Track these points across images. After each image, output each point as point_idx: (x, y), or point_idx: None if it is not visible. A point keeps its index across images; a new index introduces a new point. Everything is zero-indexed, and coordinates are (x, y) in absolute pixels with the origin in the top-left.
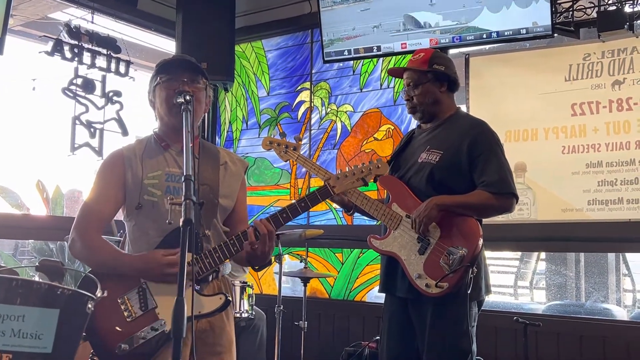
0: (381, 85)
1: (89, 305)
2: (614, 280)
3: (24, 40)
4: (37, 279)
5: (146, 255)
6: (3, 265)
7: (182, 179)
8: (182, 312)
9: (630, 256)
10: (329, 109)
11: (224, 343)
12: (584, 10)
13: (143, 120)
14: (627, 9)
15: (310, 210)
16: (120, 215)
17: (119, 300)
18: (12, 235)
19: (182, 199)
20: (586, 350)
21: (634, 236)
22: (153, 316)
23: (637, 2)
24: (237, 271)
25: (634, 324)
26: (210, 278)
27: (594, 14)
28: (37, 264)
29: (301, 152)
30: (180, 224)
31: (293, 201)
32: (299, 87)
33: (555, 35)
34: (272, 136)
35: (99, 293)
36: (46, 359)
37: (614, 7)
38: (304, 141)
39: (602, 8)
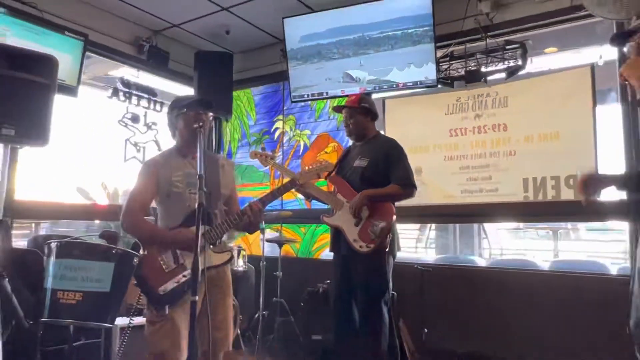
0: (329, 117)
1: (135, 260)
2: (477, 241)
3: (93, 89)
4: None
5: (176, 231)
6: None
7: (197, 176)
8: (197, 261)
9: (486, 226)
10: (295, 133)
11: (227, 284)
12: (457, 69)
13: (171, 141)
14: (483, 69)
15: (283, 198)
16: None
17: (159, 259)
18: (85, 218)
19: (197, 190)
20: (460, 285)
21: (489, 213)
22: (183, 268)
23: (488, 65)
24: (229, 239)
25: (489, 268)
26: (218, 242)
27: (463, 72)
28: (99, 233)
29: (276, 161)
30: (196, 206)
31: (273, 189)
32: (275, 119)
33: (439, 85)
34: (257, 150)
35: (141, 252)
36: (105, 295)
37: (475, 68)
38: (278, 154)
39: (467, 68)
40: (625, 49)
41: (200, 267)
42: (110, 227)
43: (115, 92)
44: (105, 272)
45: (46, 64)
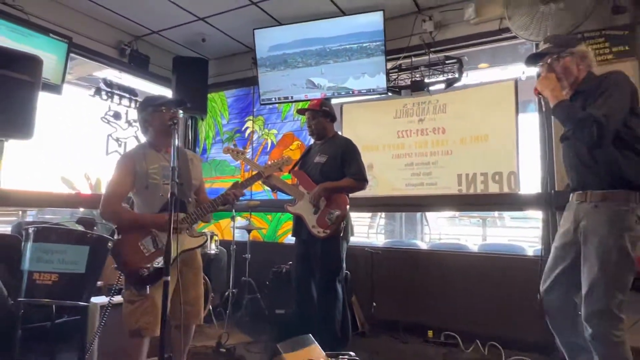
0: (294, 118)
1: (109, 244)
2: (420, 228)
3: (78, 89)
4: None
5: (156, 215)
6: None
7: (171, 169)
8: (169, 245)
9: (428, 214)
10: (263, 132)
11: (198, 265)
12: (404, 80)
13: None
14: (426, 79)
15: (253, 190)
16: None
17: (139, 244)
18: (69, 206)
19: (171, 181)
20: (404, 265)
21: (429, 203)
22: (162, 252)
23: (430, 77)
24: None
25: (429, 250)
26: (194, 226)
27: (409, 82)
28: (76, 219)
29: (246, 156)
30: (168, 196)
31: (243, 180)
32: (246, 119)
33: (389, 93)
34: (229, 146)
35: (115, 236)
36: (81, 276)
37: (419, 79)
38: (248, 150)
39: (413, 79)
40: (538, 68)
41: (179, 250)
42: (93, 214)
43: (98, 91)
44: (80, 255)
45: (31, 63)
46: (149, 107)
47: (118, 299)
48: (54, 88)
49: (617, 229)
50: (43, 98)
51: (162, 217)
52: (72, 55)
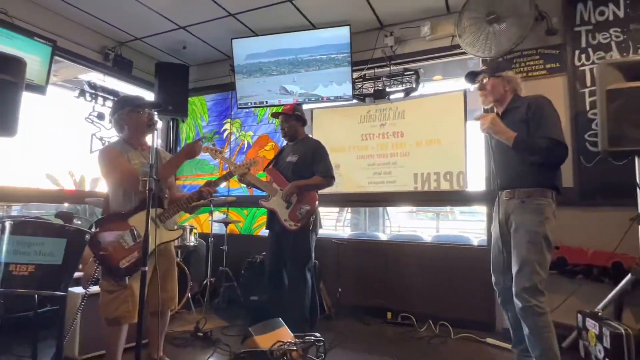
0: (268, 121)
1: (87, 237)
2: (381, 221)
3: (64, 90)
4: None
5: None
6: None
7: (149, 165)
8: (147, 237)
9: (389, 209)
10: (240, 134)
11: (173, 255)
12: (367, 88)
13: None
14: (387, 89)
15: (230, 186)
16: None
17: (118, 237)
18: (54, 201)
19: (149, 177)
20: (367, 255)
21: (389, 199)
22: (139, 245)
23: (391, 86)
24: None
25: (389, 241)
26: (172, 221)
27: (372, 90)
28: (55, 213)
29: (224, 155)
30: (147, 190)
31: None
32: (224, 121)
33: (354, 100)
34: (208, 145)
35: (93, 229)
36: (58, 267)
37: (381, 88)
38: (226, 150)
39: (376, 88)
40: (474, 85)
41: (156, 242)
42: (77, 209)
43: (83, 93)
44: (57, 247)
45: (14, 64)
46: (127, 107)
47: (95, 289)
48: (38, 89)
49: (540, 219)
50: (27, 98)
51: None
52: (57, 58)
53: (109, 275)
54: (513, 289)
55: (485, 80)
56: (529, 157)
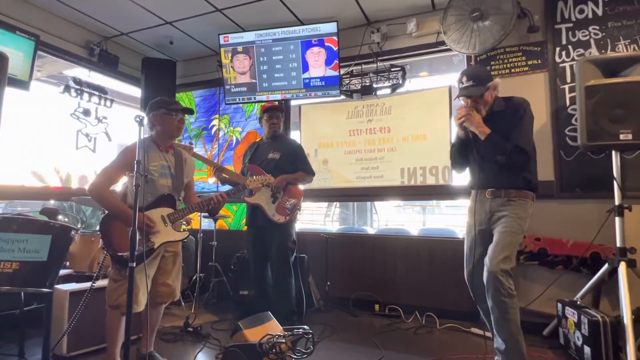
0: (256, 117)
1: (72, 233)
2: (369, 215)
3: (49, 86)
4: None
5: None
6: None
7: (167, 167)
8: (134, 237)
9: (376, 203)
10: (229, 129)
11: (178, 252)
12: (355, 84)
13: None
14: (374, 85)
15: (218, 183)
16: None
17: (128, 230)
18: (40, 198)
19: (135, 172)
20: (355, 248)
21: (377, 194)
22: (146, 239)
23: (378, 82)
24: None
25: (376, 235)
26: (183, 222)
27: (360, 87)
28: (40, 209)
29: (194, 151)
30: (164, 192)
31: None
32: (213, 117)
33: (342, 96)
34: (179, 142)
35: (78, 225)
36: (43, 264)
37: (368, 84)
38: (214, 147)
39: (363, 84)
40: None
41: (162, 241)
42: (63, 206)
43: (67, 88)
44: (42, 244)
45: None
46: (162, 109)
47: (79, 286)
48: (22, 84)
49: (522, 216)
50: (10, 94)
51: (139, 216)
52: (41, 53)
53: (116, 263)
54: (488, 270)
55: (480, 98)
56: (495, 156)
